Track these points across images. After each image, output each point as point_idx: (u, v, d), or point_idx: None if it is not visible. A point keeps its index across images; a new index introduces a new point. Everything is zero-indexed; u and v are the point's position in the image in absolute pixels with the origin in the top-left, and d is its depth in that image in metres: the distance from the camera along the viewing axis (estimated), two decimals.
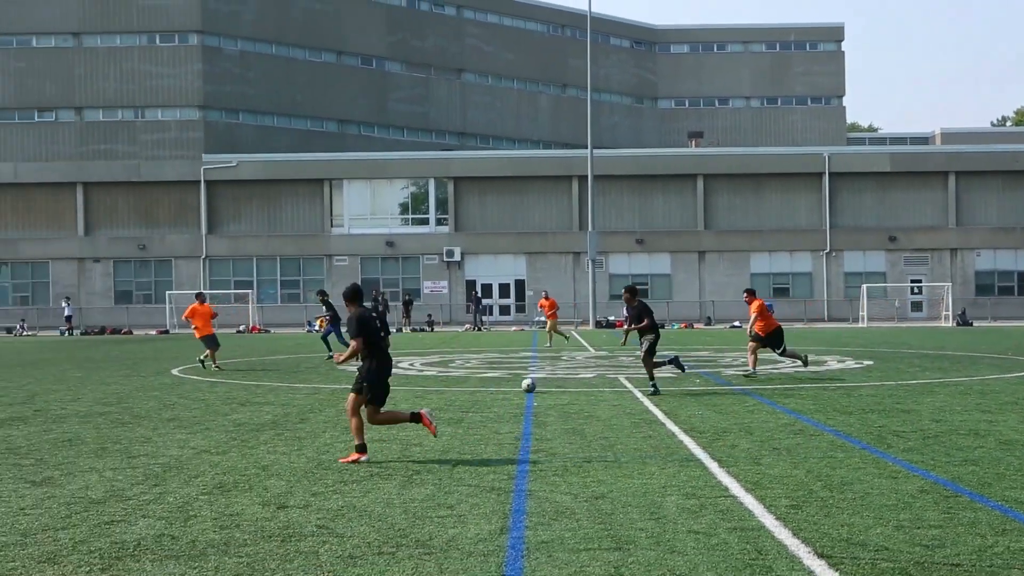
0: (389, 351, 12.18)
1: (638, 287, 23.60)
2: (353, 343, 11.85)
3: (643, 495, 9.70)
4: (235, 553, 7.80)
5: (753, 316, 22.55)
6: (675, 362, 20.41)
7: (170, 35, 71.13)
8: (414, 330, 55.85)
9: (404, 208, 68.83)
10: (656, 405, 17.10)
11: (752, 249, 66.07)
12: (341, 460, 11.90)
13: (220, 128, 71.03)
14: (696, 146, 78.59)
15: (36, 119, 70.60)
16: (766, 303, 23.87)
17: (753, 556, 7.53)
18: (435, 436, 12.47)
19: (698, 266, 66.19)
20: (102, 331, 59.66)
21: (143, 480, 10.85)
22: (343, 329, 26.70)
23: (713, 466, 11.23)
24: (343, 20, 76.70)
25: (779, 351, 22.63)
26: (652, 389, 18.99)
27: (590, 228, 59.32)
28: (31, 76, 70.51)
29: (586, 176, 60.57)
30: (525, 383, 19.78)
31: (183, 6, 70.74)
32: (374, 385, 11.90)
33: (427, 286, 66.62)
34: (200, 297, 27.73)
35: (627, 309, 19.96)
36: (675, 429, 14.17)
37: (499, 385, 21.43)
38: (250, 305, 63.66)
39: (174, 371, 26.61)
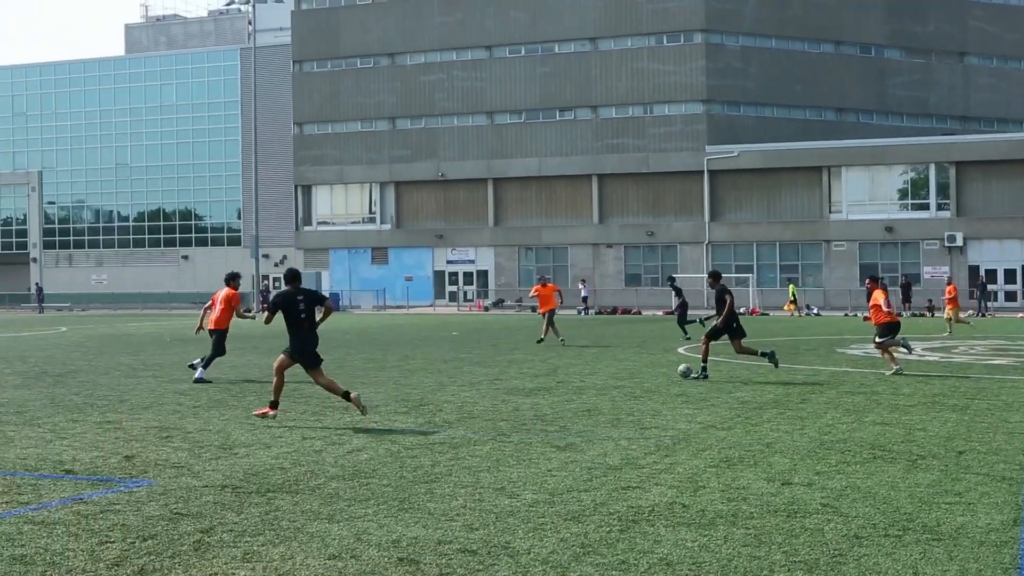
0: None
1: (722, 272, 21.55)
2: (265, 314, 13.60)
3: None
4: (742, 525, 7.79)
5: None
6: (771, 356, 19.33)
7: (676, 35, 72.46)
8: (913, 315, 53.40)
9: (903, 194, 66.09)
10: None
11: None
12: (255, 413, 13.62)
13: (722, 120, 71.49)
14: None
15: (557, 118, 74.48)
16: None
17: None
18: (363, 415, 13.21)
19: None
20: (613, 311, 62.01)
21: (655, 450, 11.11)
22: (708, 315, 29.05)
23: None
24: (842, 11, 74.59)
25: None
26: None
27: None
28: (554, 80, 74.50)
29: None
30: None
31: (688, 8, 71.81)
32: (296, 354, 13.22)
33: (927, 271, 63.57)
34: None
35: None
36: None
37: (1006, 373, 19.97)
38: (750, 289, 63.77)
39: (680, 350, 27.14)
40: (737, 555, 6.96)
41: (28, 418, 13.88)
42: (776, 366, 19.63)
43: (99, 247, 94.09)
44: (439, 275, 76.52)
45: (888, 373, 19.34)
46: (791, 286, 60.69)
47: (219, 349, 19.35)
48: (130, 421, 13.56)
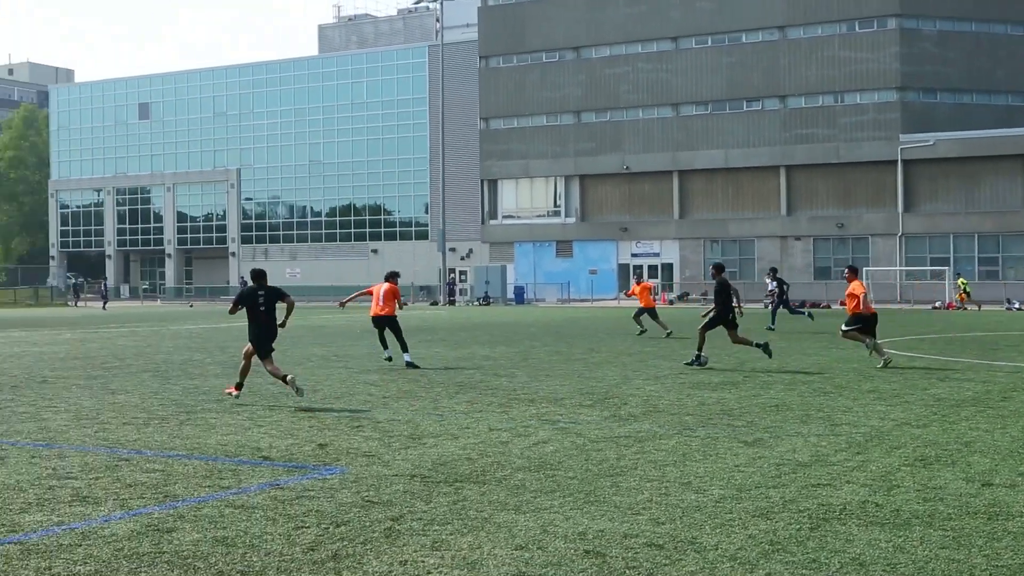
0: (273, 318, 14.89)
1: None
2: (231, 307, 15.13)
3: None
4: (940, 526, 7.51)
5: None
6: (764, 347, 20.41)
7: (868, 21, 70.35)
8: None
9: None
10: None
11: None
12: (224, 391, 15.47)
13: (917, 108, 69.06)
14: None
15: (744, 108, 73.30)
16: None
17: None
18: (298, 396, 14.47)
19: None
20: (801, 305, 60.67)
21: (846, 447, 10.82)
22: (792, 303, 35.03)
23: None
24: None
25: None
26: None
27: None
28: (740, 69, 73.34)
29: None
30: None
31: None
32: (252, 341, 14.81)
33: None
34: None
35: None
36: None
37: None
38: (946, 282, 61.48)
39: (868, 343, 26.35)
40: (934, 557, 6.72)
41: (227, 406, 14.46)
42: (770, 356, 20.64)
43: (293, 241, 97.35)
44: (623, 268, 76.34)
45: (878, 366, 19.69)
46: (960, 279, 58.33)
47: (399, 333, 20.98)
48: (323, 409, 13.99)
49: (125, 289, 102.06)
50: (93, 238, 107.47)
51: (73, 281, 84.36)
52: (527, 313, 48.93)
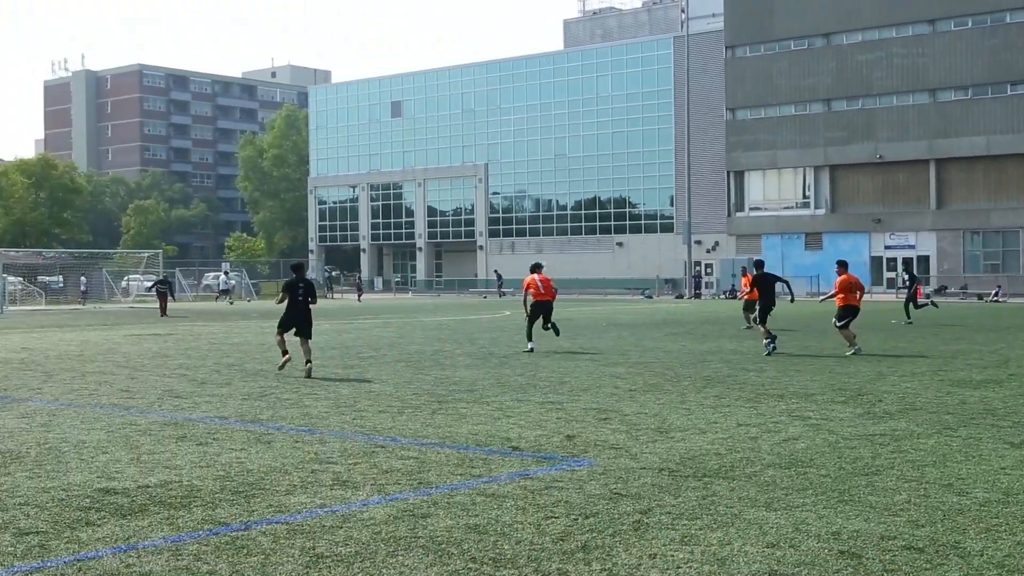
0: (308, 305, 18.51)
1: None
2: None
3: None
4: None
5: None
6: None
7: None
8: None
9: None
10: None
11: None
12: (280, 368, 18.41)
13: None
14: None
15: (1008, 92, 69.51)
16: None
17: None
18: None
19: None
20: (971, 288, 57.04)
21: None
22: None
23: None
24: None
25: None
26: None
27: None
28: (1004, 51, 69.57)
29: None
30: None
31: None
32: (287, 324, 18.41)
33: None
34: None
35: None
36: None
37: None
38: None
39: None
40: None
41: (478, 396, 14.79)
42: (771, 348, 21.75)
43: (539, 235, 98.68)
44: (875, 261, 73.77)
45: (848, 353, 21.26)
46: None
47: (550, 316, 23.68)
48: (570, 402, 14.11)
49: (378, 282, 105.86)
50: (349, 232, 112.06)
51: (328, 274, 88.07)
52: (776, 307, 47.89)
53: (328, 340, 27.38)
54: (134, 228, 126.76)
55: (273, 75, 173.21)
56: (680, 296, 74.23)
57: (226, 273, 74.06)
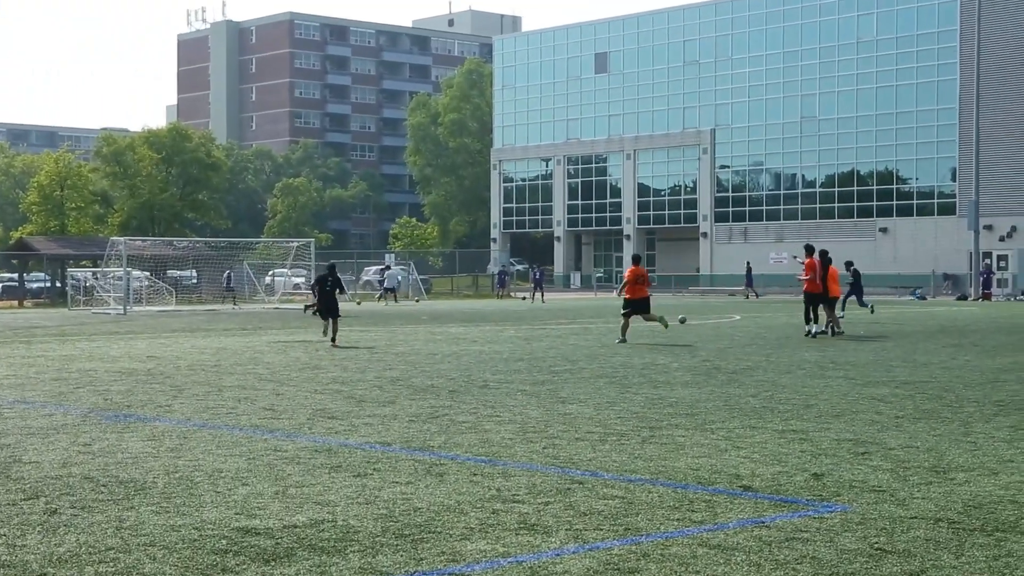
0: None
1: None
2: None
3: None
4: None
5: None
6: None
7: None
8: None
9: None
10: None
11: None
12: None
13: None
14: None
15: None
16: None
17: None
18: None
19: None
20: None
21: None
22: None
23: None
24: None
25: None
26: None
27: None
28: None
29: None
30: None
31: None
32: (324, 311, 30.64)
33: None
34: None
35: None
36: None
37: None
38: None
39: None
40: None
41: (700, 422, 14.69)
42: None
43: (779, 219, 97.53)
44: None
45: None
46: None
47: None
48: (818, 431, 13.88)
49: (575, 277, 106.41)
50: (540, 217, 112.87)
51: (504, 268, 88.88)
52: None
53: (513, 349, 27.66)
54: (281, 212, 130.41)
55: (450, 23, 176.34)
56: (963, 297, 72.26)
57: (388, 267, 75.55)
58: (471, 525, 8.91)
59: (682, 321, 37.06)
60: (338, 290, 31.19)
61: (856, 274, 41.66)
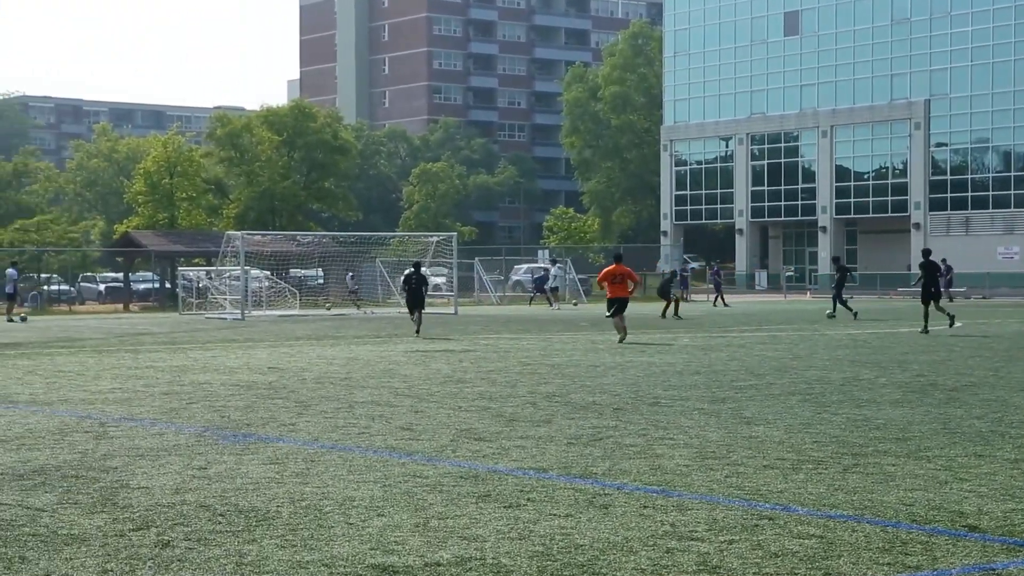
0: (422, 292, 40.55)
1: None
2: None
3: None
4: None
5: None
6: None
7: None
8: None
9: None
10: None
11: None
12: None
13: None
14: None
15: None
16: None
17: None
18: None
19: None
20: None
21: None
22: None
23: None
24: None
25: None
26: None
27: None
28: None
29: None
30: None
31: None
32: (409, 304, 41.13)
33: None
34: None
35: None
36: None
37: None
38: None
39: None
40: None
41: (912, 448, 14.48)
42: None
43: (1008, 206, 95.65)
44: None
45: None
46: None
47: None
48: None
49: (761, 277, 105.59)
50: (719, 206, 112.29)
51: (682, 268, 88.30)
52: None
53: (688, 361, 27.56)
54: (419, 201, 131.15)
55: None
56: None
57: (555, 261, 75.33)
58: (641, 566, 8.91)
59: (830, 316, 42.57)
60: (424, 287, 40.96)
61: None
